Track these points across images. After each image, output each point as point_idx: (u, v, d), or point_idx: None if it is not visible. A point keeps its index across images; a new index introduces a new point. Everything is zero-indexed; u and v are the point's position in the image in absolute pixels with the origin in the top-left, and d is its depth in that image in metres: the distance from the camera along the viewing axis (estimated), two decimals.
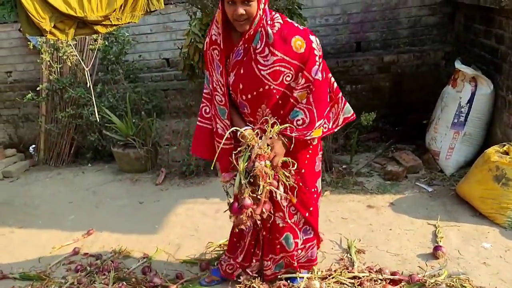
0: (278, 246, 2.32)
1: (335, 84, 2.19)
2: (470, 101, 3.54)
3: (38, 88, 4.90)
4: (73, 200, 4.01)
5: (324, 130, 2.11)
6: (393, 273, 2.43)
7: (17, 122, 5.55)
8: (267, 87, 1.97)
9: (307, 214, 2.27)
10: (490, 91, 3.52)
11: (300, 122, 2.00)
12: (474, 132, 3.57)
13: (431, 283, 2.15)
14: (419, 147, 4.08)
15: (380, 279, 2.39)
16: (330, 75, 2.14)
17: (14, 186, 4.54)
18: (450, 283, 2.14)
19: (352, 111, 2.26)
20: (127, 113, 4.41)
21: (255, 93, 2.00)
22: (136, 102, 4.60)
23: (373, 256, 2.67)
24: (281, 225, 2.27)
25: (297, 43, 1.92)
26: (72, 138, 4.95)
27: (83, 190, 4.22)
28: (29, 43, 4.82)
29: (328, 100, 2.10)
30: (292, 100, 2.02)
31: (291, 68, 1.94)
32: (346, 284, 2.37)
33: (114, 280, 2.61)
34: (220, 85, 2.06)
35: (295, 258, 2.37)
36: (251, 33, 1.93)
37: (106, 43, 4.58)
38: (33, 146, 5.28)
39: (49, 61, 4.73)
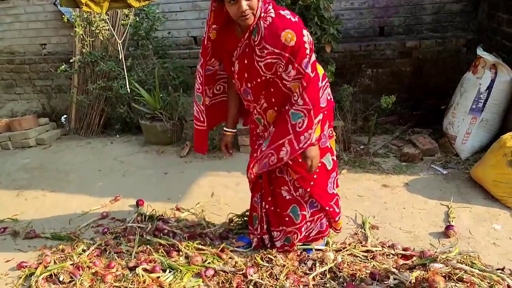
0: (287, 219, 2.35)
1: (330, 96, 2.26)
2: (490, 88, 3.48)
3: (71, 61, 4.99)
4: (101, 168, 4.11)
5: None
6: (405, 249, 2.45)
7: (50, 93, 5.67)
8: (263, 77, 2.03)
9: (308, 189, 2.27)
10: (510, 79, 3.45)
11: (301, 125, 2.03)
12: (491, 118, 3.52)
13: (442, 258, 2.16)
14: (435, 131, 4.03)
15: (392, 253, 2.41)
16: (324, 82, 2.19)
17: (46, 153, 4.66)
18: (460, 260, 2.15)
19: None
20: (155, 87, 4.45)
21: (254, 82, 2.07)
22: (164, 77, 4.64)
23: (386, 232, 2.69)
24: (287, 197, 2.30)
25: (288, 36, 1.91)
26: (102, 110, 5.04)
27: (111, 159, 4.31)
28: (63, 16, 4.88)
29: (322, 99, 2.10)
30: (287, 93, 2.04)
31: (283, 60, 1.95)
32: (359, 257, 2.40)
33: (139, 244, 2.68)
34: (200, 75, 2.19)
35: (303, 230, 2.39)
36: (254, 25, 1.94)
37: (137, 19, 4.60)
38: (65, 116, 5.39)
39: (82, 34, 4.79)
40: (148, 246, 2.64)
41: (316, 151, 2.10)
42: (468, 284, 1.87)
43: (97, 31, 4.59)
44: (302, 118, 2.01)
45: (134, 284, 2.28)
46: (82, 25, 4.76)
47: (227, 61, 2.15)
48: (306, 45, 1.93)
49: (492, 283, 1.93)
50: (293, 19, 1.93)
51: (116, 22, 4.84)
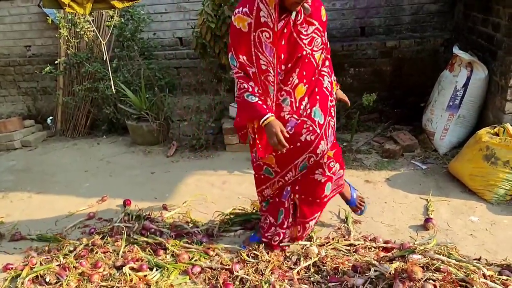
0: (325, 200, 2.43)
1: None
2: (466, 85, 3.55)
3: (56, 62, 4.91)
4: (88, 169, 4.06)
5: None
6: (386, 242, 2.48)
7: (36, 95, 5.57)
8: (304, 52, 2.12)
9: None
10: (485, 76, 3.52)
11: (330, 88, 2.28)
12: (467, 114, 3.59)
13: (421, 250, 2.20)
14: (415, 128, 4.09)
15: (374, 246, 2.44)
16: None
17: (32, 154, 4.59)
18: (438, 251, 2.19)
19: None
20: (141, 88, 4.42)
21: (292, 61, 2.12)
22: (150, 78, 4.61)
23: (368, 227, 2.71)
24: (322, 180, 2.33)
25: (323, 12, 2.13)
26: (88, 111, 4.98)
27: (97, 160, 4.27)
28: (47, 18, 4.80)
29: None
30: (315, 65, 2.19)
31: (319, 34, 2.14)
32: (342, 251, 2.42)
33: (126, 243, 2.65)
34: (272, 66, 2.09)
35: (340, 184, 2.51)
36: None
37: (122, 20, 4.55)
38: (51, 117, 5.30)
39: (66, 36, 4.72)
40: (135, 245, 2.62)
41: None
42: (445, 274, 1.91)
43: (82, 32, 4.53)
44: (328, 81, 2.28)
45: (121, 283, 2.26)
46: (67, 26, 4.69)
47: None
48: None
49: (468, 272, 1.97)
50: None
51: (101, 23, 4.78)
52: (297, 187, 2.38)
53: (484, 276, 1.97)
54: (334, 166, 2.34)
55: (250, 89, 2.10)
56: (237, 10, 2.05)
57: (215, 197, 3.27)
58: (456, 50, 3.64)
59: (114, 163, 4.16)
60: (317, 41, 2.14)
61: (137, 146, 4.53)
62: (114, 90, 3.86)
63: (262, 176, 2.40)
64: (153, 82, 4.60)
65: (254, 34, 2.03)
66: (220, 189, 3.43)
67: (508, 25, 3.26)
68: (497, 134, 3.00)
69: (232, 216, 2.90)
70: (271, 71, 2.10)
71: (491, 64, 3.54)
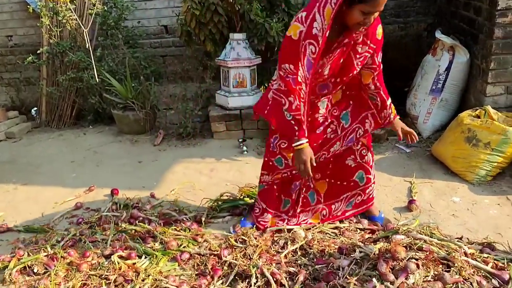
0: (352, 184, 2.48)
1: None
2: (448, 69, 3.58)
3: (38, 52, 4.80)
4: (74, 159, 4.00)
5: None
6: (370, 224, 2.51)
7: (19, 85, 5.46)
8: (355, 72, 2.08)
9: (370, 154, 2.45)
10: (466, 60, 3.55)
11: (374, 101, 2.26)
12: (450, 98, 3.63)
13: (404, 230, 2.23)
14: (399, 112, 4.04)
15: (359, 228, 2.47)
16: None
17: (17, 146, 4.50)
18: (420, 231, 2.23)
19: None
20: (126, 77, 4.35)
21: (345, 77, 2.10)
22: (135, 67, 4.54)
23: None
24: (353, 165, 2.43)
25: (379, 31, 2.00)
26: (73, 101, 4.90)
27: (84, 150, 4.21)
28: (28, 7, 4.67)
29: None
30: (360, 80, 2.20)
31: (371, 53, 2.04)
32: (328, 234, 2.44)
33: (115, 232, 2.63)
34: (307, 82, 1.94)
35: (367, 192, 2.50)
36: None
37: (105, 8, 4.46)
38: (35, 108, 5.21)
39: (48, 25, 4.60)
40: (123, 234, 2.60)
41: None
42: (427, 253, 1.94)
43: (64, 21, 4.42)
44: (375, 100, 2.25)
45: (110, 272, 2.24)
46: (49, 15, 4.56)
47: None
48: None
49: (450, 251, 2.01)
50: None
51: (83, 11, 4.67)
52: (328, 172, 2.48)
53: (465, 254, 2.01)
54: (367, 155, 2.42)
55: (287, 105, 1.97)
56: (297, 15, 1.91)
57: (203, 185, 3.26)
58: (438, 35, 3.66)
59: (101, 153, 4.11)
60: (368, 61, 2.07)
61: (124, 135, 4.48)
62: (98, 79, 3.79)
63: (271, 163, 2.39)
64: (139, 71, 4.54)
65: (303, 43, 1.86)
66: (208, 176, 3.42)
67: (489, 9, 3.28)
68: (478, 117, 3.05)
69: (220, 202, 2.90)
70: (304, 88, 1.95)
71: (472, 47, 3.57)
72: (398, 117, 2.35)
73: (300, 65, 1.90)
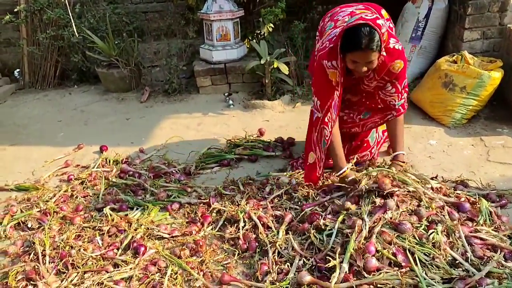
0: (365, 145, 2.60)
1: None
2: (427, 16, 3.54)
3: (15, 10, 4.53)
4: (61, 119, 3.91)
5: None
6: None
7: None
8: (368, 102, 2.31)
9: None
10: (445, 6, 3.52)
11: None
12: (428, 45, 3.62)
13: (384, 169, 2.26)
14: None
15: None
16: None
17: (2, 108, 4.34)
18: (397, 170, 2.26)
19: None
20: (108, 34, 4.17)
21: (356, 99, 2.34)
22: (116, 23, 4.34)
23: None
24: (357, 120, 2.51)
25: (396, 65, 2.07)
26: (56, 61, 4.70)
27: (71, 109, 4.10)
28: None
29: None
30: (380, 102, 2.31)
31: (387, 83, 2.17)
32: None
33: (106, 187, 2.63)
34: (332, 122, 2.16)
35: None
36: None
37: None
38: (18, 70, 5.00)
39: None
40: (114, 188, 2.60)
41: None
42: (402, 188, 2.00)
43: None
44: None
45: (103, 223, 2.25)
46: None
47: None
48: (406, 73, 2.18)
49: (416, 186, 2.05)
50: (400, 48, 2.06)
51: None
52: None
53: (432, 188, 2.10)
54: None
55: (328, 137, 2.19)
56: (329, 63, 2.05)
57: (190, 138, 3.23)
58: None
59: (88, 112, 4.02)
60: (388, 87, 2.21)
61: (110, 93, 4.36)
62: (78, 36, 3.62)
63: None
64: (121, 28, 4.35)
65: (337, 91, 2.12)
66: (195, 130, 3.39)
67: None
68: (455, 62, 3.04)
69: (208, 155, 2.88)
70: (329, 127, 2.17)
71: None
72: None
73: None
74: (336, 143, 2.21)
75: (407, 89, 2.29)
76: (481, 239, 1.82)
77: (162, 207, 2.36)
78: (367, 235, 1.77)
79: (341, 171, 2.18)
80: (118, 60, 4.16)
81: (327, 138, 2.17)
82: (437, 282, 1.61)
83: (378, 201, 1.92)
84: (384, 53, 1.99)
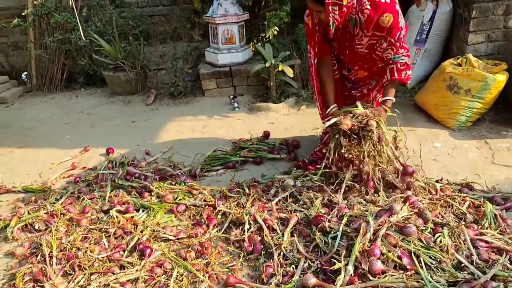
0: None
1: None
2: (432, 19, 3.54)
3: (23, 14, 4.58)
4: (68, 121, 3.93)
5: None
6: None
7: (7, 50, 5.25)
8: (361, 55, 2.33)
9: None
10: (449, 9, 3.51)
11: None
12: (433, 48, 3.62)
13: None
14: None
15: None
16: None
17: (9, 110, 4.39)
18: None
19: None
20: (114, 37, 4.20)
21: (352, 57, 2.40)
22: (123, 27, 4.37)
23: None
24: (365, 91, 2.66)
25: (386, 19, 2.08)
26: (63, 64, 4.75)
27: (77, 112, 4.13)
28: None
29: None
30: (378, 60, 2.34)
31: (379, 38, 2.19)
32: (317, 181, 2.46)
33: (112, 189, 2.63)
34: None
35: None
36: (349, 19, 2.15)
37: None
38: (25, 73, 5.05)
39: None
40: (120, 190, 2.61)
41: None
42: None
43: None
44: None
45: (109, 225, 2.26)
46: None
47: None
48: (399, 19, 2.12)
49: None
50: (387, 1, 2.06)
51: None
52: None
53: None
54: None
55: None
56: (306, 12, 2.30)
57: (196, 141, 3.24)
58: None
59: (94, 114, 4.04)
60: (376, 45, 2.24)
61: (116, 96, 4.39)
62: (85, 40, 3.65)
63: None
64: (127, 31, 4.37)
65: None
66: (200, 133, 3.40)
67: None
68: (460, 65, 3.04)
69: (213, 157, 2.89)
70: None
71: None
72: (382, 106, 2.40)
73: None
74: (328, 84, 2.41)
75: (405, 45, 2.26)
76: (486, 242, 1.81)
77: (168, 209, 2.37)
78: (372, 237, 1.77)
79: (329, 109, 2.39)
80: (125, 63, 4.18)
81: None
82: (443, 285, 1.60)
83: (342, 140, 2.18)
84: (369, 7, 2.06)
